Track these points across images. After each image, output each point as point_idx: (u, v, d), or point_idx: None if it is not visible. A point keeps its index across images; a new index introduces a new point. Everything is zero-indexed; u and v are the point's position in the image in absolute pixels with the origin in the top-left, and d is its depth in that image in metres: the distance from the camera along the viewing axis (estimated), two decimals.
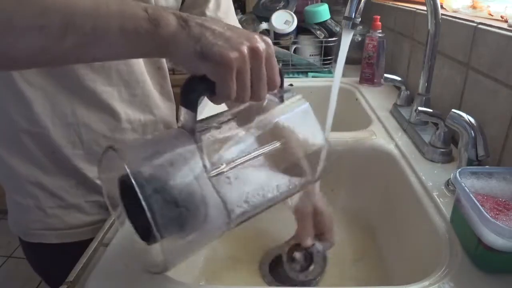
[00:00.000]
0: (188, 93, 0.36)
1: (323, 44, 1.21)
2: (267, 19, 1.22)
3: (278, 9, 1.24)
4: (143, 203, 0.30)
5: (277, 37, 1.21)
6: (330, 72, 1.23)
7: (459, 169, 0.48)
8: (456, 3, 0.81)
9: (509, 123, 0.58)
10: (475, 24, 0.67)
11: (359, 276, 0.62)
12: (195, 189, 0.33)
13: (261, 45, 0.37)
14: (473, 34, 0.68)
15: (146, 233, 0.32)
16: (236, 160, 0.37)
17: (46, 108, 0.59)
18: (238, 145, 0.38)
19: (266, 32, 1.24)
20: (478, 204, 0.41)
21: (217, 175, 0.35)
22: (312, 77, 1.20)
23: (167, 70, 0.74)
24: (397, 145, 0.72)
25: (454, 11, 0.81)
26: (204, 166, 0.34)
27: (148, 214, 0.30)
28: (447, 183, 0.58)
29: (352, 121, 0.93)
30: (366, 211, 0.75)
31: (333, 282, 0.61)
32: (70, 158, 0.62)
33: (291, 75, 1.23)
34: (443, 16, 0.71)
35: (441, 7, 0.74)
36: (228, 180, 0.36)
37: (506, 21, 0.66)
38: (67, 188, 0.64)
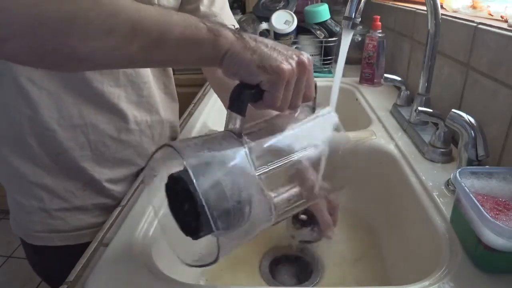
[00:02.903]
0: (239, 100, 0.39)
1: (323, 44, 1.21)
2: (267, 19, 1.22)
3: (278, 9, 1.24)
4: (201, 197, 0.32)
5: (277, 37, 1.21)
6: (330, 72, 1.23)
7: (459, 169, 0.48)
8: (456, 3, 0.81)
9: (509, 123, 0.58)
10: (475, 24, 0.67)
11: (359, 276, 0.62)
12: (245, 186, 0.36)
13: (306, 61, 0.41)
14: (473, 34, 0.68)
15: (200, 227, 0.34)
16: (278, 162, 0.41)
17: (53, 109, 0.58)
18: (278, 147, 0.42)
19: (266, 32, 1.24)
20: (478, 204, 0.41)
21: (262, 174, 0.38)
22: None
23: (171, 70, 0.74)
24: (397, 145, 0.72)
25: (454, 11, 0.81)
26: (252, 165, 0.37)
27: (206, 209, 0.33)
28: (447, 183, 0.58)
29: (352, 121, 0.93)
30: (366, 211, 0.75)
31: (333, 282, 0.61)
32: (76, 160, 0.62)
33: None
34: (443, 16, 0.71)
35: (441, 7, 0.74)
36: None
37: (506, 21, 0.66)
38: (73, 190, 0.64)
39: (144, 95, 0.67)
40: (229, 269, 0.63)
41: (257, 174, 0.38)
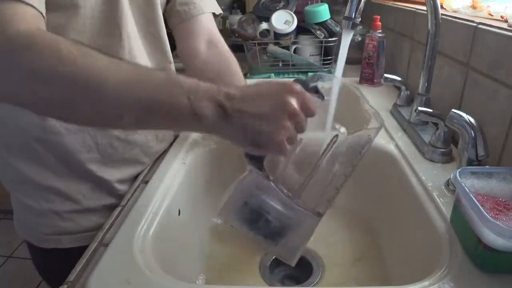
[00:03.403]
0: (255, 160, 0.45)
1: (323, 44, 1.21)
2: (267, 19, 1.22)
3: (278, 9, 1.24)
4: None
5: (277, 37, 1.21)
6: (330, 72, 1.22)
7: (459, 169, 0.48)
8: (456, 3, 0.81)
9: (509, 123, 0.58)
10: (475, 24, 0.67)
11: (359, 276, 0.62)
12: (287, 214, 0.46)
13: (296, 105, 0.40)
14: (473, 34, 0.68)
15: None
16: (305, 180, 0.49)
17: None
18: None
19: (266, 32, 1.24)
20: (478, 204, 0.41)
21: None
22: None
23: (173, 70, 0.74)
24: (397, 145, 0.72)
25: (454, 11, 0.81)
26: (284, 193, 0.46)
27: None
28: (447, 183, 0.58)
29: (352, 121, 0.92)
30: (366, 211, 0.75)
31: (333, 282, 0.61)
32: (84, 163, 0.62)
33: (291, 75, 1.23)
34: (443, 16, 0.71)
35: (441, 7, 0.74)
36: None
37: (506, 21, 0.66)
38: (83, 192, 0.64)
39: None
40: (229, 269, 0.63)
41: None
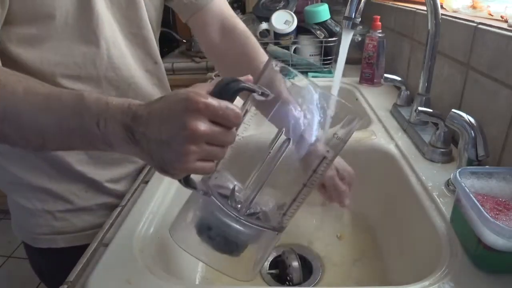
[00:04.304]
0: (183, 180, 0.40)
1: (323, 44, 1.21)
2: (267, 19, 1.22)
3: (278, 9, 1.24)
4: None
5: (277, 37, 1.21)
6: (330, 72, 1.22)
7: (459, 169, 0.48)
8: (456, 3, 0.81)
9: (509, 123, 0.58)
10: (475, 24, 0.67)
11: (359, 276, 0.62)
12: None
13: (199, 124, 0.34)
14: (473, 34, 0.68)
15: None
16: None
17: None
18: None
19: (266, 32, 1.24)
20: (478, 204, 0.41)
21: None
22: (312, 77, 1.19)
23: (160, 70, 0.72)
24: (397, 145, 0.72)
25: (454, 11, 0.81)
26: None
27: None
28: (447, 183, 0.58)
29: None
30: (366, 211, 0.75)
31: (333, 282, 0.61)
32: (73, 165, 0.62)
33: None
34: (443, 16, 0.71)
35: (441, 7, 0.74)
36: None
37: (506, 21, 0.66)
38: (76, 192, 0.64)
39: (130, 96, 0.66)
40: None
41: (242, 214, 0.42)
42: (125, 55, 0.64)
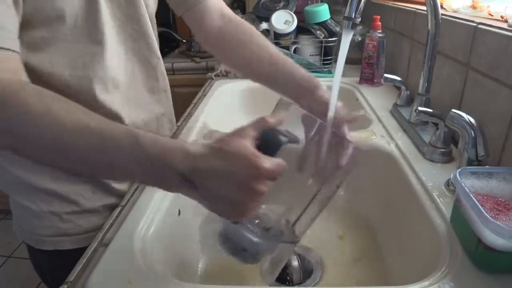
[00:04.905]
0: None
1: (323, 44, 1.21)
2: (267, 19, 1.22)
3: (278, 9, 1.24)
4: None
5: (277, 37, 1.21)
6: (330, 72, 1.23)
7: (459, 169, 0.48)
8: (456, 3, 0.81)
9: (509, 123, 0.58)
10: (475, 24, 0.67)
11: (359, 276, 0.62)
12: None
13: (261, 187, 0.37)
14: (473, 34, 0.68)
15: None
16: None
17: None
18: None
19: (266, 32, 1.24)
20: (478, 204, 0.41)
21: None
22: None
23: (160, 70, 0.73)
24: (397, 145, 0.72)
25: (454, 11, 0.81)
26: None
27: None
28: (447, 183, 0.58)
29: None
30: (366, 211, 0.75)
31: (333, 282, 0.61)
32: None
33: None
34: (443, 16, 0.71)
35: (441, 7, 0.74)
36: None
37: (506, 21, 0.66)
38: (82, 193, 0.63)
39: (131, 96, 0.67)
40: (229, 269, 0.63)
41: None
42: (128, 51, 0.65)
